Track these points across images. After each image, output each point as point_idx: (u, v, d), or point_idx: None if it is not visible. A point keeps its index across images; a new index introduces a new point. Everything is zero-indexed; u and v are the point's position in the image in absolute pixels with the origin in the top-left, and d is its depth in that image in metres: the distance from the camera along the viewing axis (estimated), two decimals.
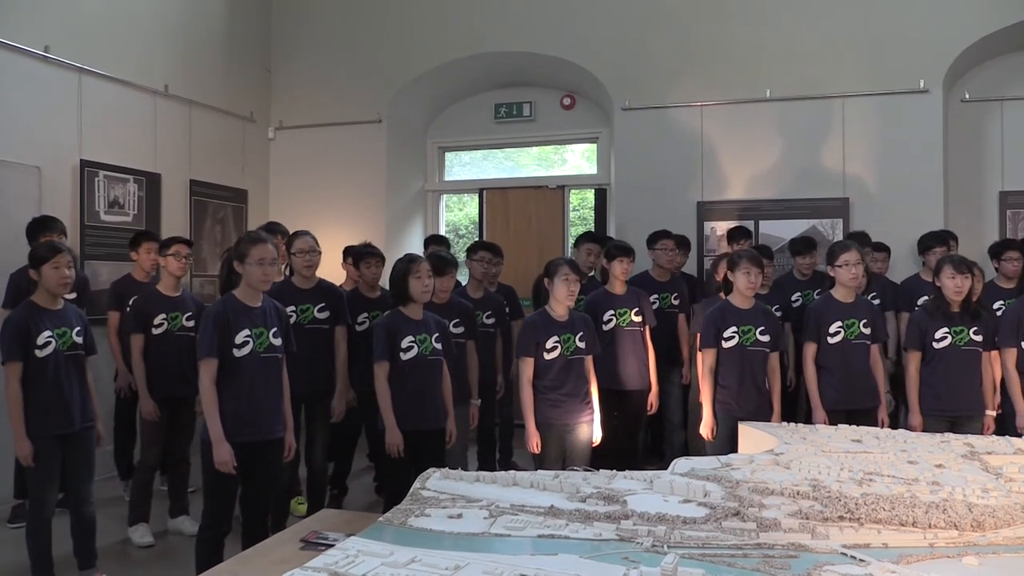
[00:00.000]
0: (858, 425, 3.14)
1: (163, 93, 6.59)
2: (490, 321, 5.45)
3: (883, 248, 5.80)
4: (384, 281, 5.50)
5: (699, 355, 4.41)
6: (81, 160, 5.84)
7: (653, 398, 5.03)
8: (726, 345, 4.25)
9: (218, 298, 3.58)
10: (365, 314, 5.21)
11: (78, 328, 3.83)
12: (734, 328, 4.25)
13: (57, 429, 3.71)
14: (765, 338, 4.27)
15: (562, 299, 4.21)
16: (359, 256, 5.31)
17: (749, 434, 3.25)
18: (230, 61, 7.38)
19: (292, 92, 7.85)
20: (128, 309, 4.94)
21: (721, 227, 6.68)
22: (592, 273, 5.98)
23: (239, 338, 3.42)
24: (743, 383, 4.24)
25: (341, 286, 5.35)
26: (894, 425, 4.32)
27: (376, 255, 5.32)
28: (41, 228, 4.90)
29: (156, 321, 4.63)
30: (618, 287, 5.03)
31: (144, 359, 4.61)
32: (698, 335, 4.68)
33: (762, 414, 4.22)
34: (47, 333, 3.69)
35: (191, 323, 4.69)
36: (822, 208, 6.51)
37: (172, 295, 4.70)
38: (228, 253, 3.65)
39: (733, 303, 4.33)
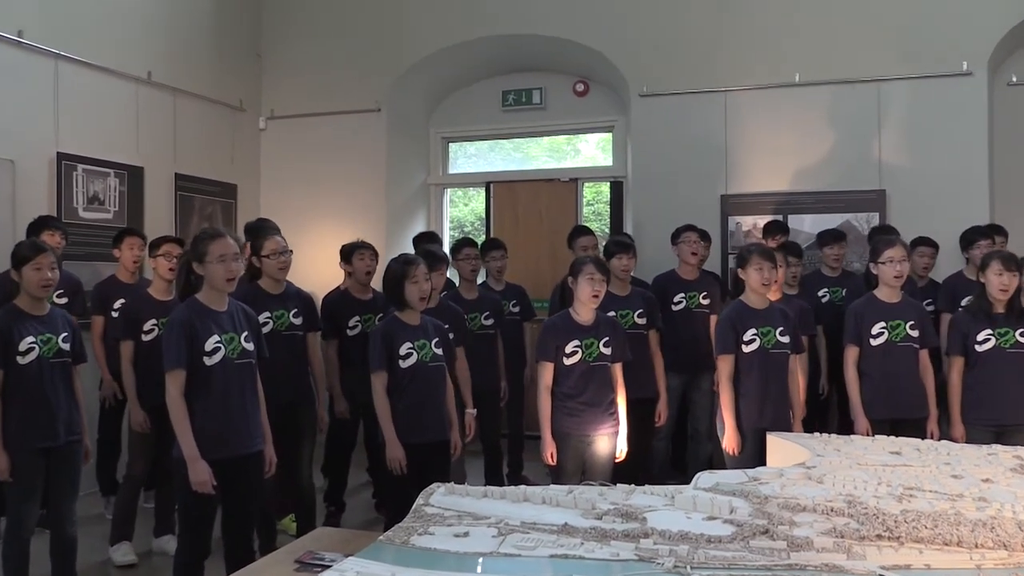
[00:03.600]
0: (904, 437, 3.12)
1: (146, 81, 6.61)
2: (488, 323, 5.44)
3: (930, 243, 5.74)
4: (376, 283, 5.52)
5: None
6: (58, 153, 5.87)
7: (662, 407, 5.03)
8: (746, 349, 4.22)
9: (180, 304, 3.51)
10: (356, 317, 5.21)
11: (65, 334, 3.83)
12: (753, 330, 4.22)
13: (40, 442, 3.72)
14: (785, 339, 4.26)
15: (586, 300, 4.20)
16: (351, 250, 5.31)
17: (778, 446, 3.24)
18: (218, 46, 7.40)
19: (284, 79, 7.86)
20: (116, 314, 4.96)
21: (747, 222, 6.67)
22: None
23: (209, 345, 3.36)
24: (767, 390, 4.22)
25: (340, 287, 5.37)
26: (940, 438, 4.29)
27: (368, 248, 5.32)
28: (43, 227, 4.97)
29: (146, 327, 4.64)
30: (620, 287, 5.02)
31: (133, 367, 4.62)
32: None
33: (789, 424, 4.21)
34: (30, 339, 3.70)
35: None
36: (856, 201, 6.48)
37: (164, 299, 4.68)
38: (185, 256, 3.60)
39: (748, 303, 4.30)
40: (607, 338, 4.23)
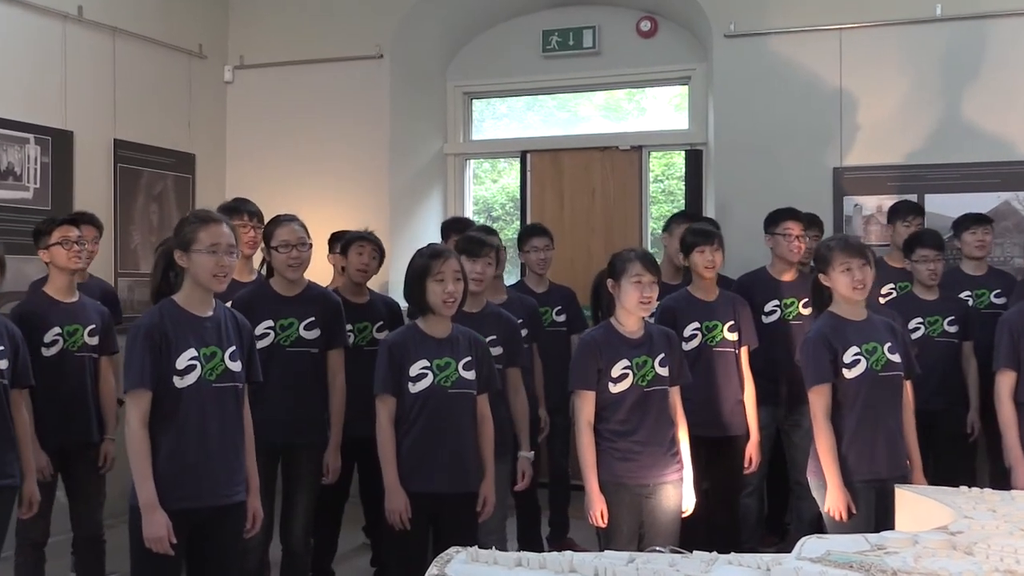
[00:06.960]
0: None
1: (76, 18, 6.67)
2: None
3: None
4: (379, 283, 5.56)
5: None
6: None
7: (752, 449, 5.03)
8: (850, 375, 4.16)
9: (152, 307, 3.57)
10: (347, 327, 5.23)
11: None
12: (856, 348, 4.15)
13: None
14: (896, 357, 4.19)
15: (633, 308, 4.20)
16: (349, 241, 5.38)
17: (910, 503, 3.22)
18: None
19: (257, 17, 7.94)
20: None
21: (870, 203, 6.60)
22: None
23: (182, 361, 3.42)
24: (878, 428, 4.16)
25: (328, 287, 5.40)
26: None
27: (371, 241, 5.37)
28: None
29: (47, 338, 4.65)
30: (705, 290, 5.02)
31: (30, 392, 4.63)
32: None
33: (907, 473, 4.19)
34: None
35: (95, 339, 4.76)
36: (1017, 176, 6.41)
37: (67, 300, 4.73)
38: (165, 244, 3.65)
39: (841, 314, 4.24)
40: (663, 354, 4.23)
